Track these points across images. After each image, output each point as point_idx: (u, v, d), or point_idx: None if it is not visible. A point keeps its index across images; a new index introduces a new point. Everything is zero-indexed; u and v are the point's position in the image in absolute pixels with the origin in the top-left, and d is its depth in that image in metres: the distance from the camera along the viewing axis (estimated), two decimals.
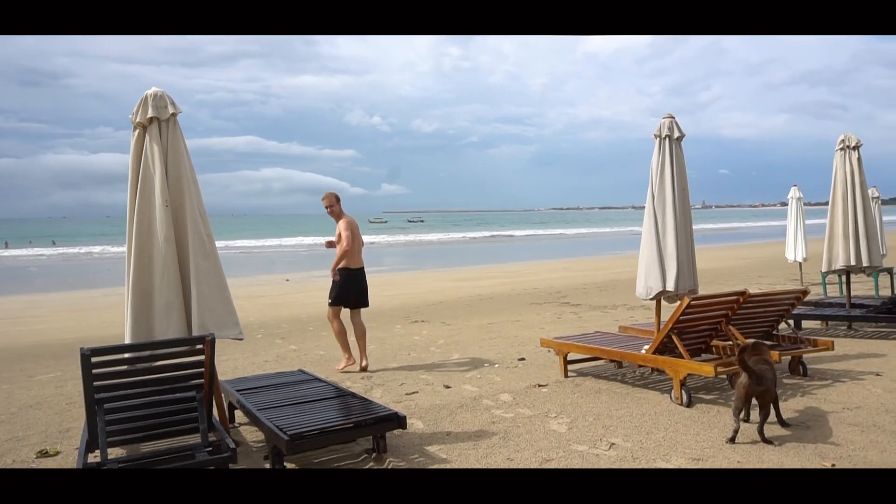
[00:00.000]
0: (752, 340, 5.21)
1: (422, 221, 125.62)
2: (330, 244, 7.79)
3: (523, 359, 7.99)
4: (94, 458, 4.54)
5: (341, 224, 7.49)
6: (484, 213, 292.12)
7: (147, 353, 4.44)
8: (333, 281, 7.41)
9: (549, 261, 29.21)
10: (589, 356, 7.17)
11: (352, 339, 8.26)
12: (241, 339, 5.14)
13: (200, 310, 4.88)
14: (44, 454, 5.13)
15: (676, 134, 6.53)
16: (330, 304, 7.49)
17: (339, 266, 7.38)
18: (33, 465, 4.90)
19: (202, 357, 4.45)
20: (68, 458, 5.05)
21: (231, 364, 8.35)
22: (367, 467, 4.59)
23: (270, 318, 12.74)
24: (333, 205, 7.61)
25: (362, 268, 7.56)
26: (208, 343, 4.41)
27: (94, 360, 4.11)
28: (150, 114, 4.85)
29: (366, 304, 7.55)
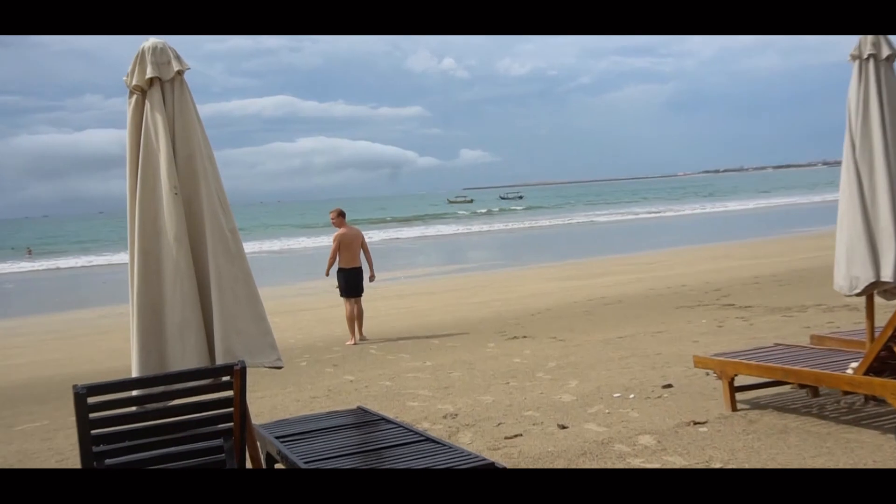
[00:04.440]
0: None
1: (520, 198, 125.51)
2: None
3: (670, 385, 7.91)
4: None
5: (334, 237, 12.78)
6: (603, 184, 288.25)
7: (159, 389, 4.62)
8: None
9: (701, 246, 28.61)
10: (767, 380, 7.01)
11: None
12: (279, 368, 5.24)
13: (226, 330, 5.01)
14: None
15: (886, 52, 6.24)
16: (341, 296, 12.77)
17: (338, 268, 12.68)
18: None
19: (230, 393, 4.57)
20: None
21: (268, 402, 8.64)
22: None
23: (318, 338, 13.11)
24: (333, 219, 12.82)
25: (356, 267, 12.67)
26: (237, 374, 4.53)
27: (90, 400, 4.27)
28: (149, 73, 5.00)
29: (360, 294, 12.72)
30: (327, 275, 12.92)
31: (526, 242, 41.34)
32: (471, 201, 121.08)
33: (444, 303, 17.07)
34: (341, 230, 12.69)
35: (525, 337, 11.70)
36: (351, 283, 12.66)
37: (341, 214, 12.84)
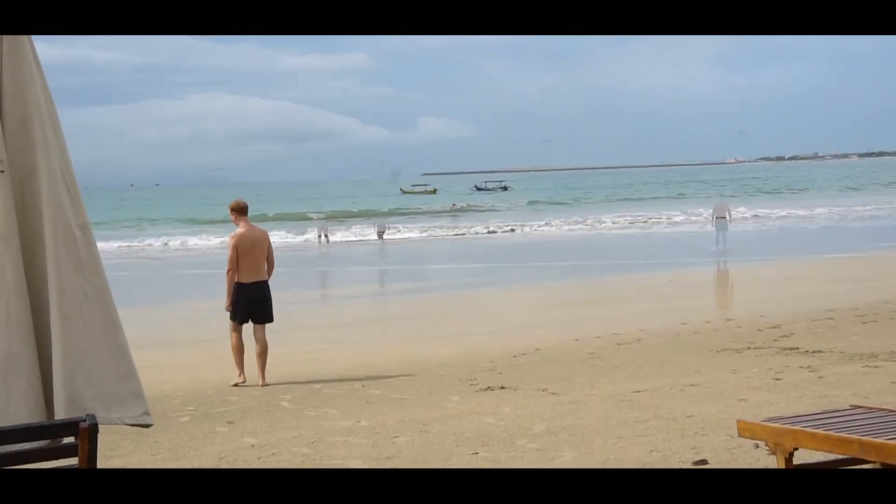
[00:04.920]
0: None
1: (504, 189, 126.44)
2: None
3: (703, 462, 7.92)
4: None
5: (230, 238, 13.27)
6: (623, 173, 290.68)
7: None
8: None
9: (756, 264, 29.11)
10: (839, 456, 6.96)
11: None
12: (147, 427, 5.21)
13: (70, 370, 4.98)
14: None
15: None
16: (231, 320, 13.04)
17: (235, 281, 12.88)
18: None
19: (74, 461, 4.49)
20: None
21: None
22: None
23: (208, 383, 13.01)
24: (231, 215, 13.22)
25: (259, 281, 12.99)
26: (85, 434, 4.43)
27: None
28: None
29: (268, 320, 13.08)
30: (228, 307, 13.01)
31: (510, 253, 41.55)
32: (433, 192, 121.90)
33: (390, 337, 17.12)
34: (239, 230, 12.95)
35: (503, 388, 11.66)
36: (252, 304, 12.87)
37: (239, 209, 13.11)
